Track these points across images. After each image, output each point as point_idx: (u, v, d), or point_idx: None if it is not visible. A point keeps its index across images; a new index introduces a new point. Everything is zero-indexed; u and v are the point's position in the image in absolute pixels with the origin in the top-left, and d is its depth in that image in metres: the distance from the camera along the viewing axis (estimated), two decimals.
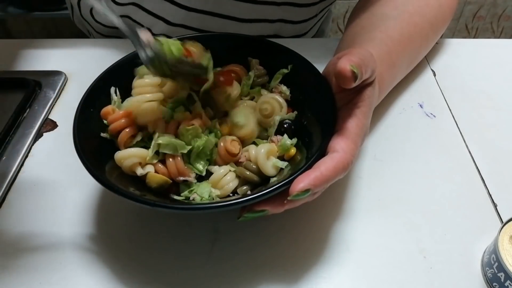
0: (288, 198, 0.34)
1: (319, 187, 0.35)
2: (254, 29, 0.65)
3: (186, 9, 0.62)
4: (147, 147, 0.43)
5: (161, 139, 0.41)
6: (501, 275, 0.38)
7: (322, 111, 0.44)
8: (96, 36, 0.74)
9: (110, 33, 0.71)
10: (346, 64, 0.36)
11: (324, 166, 0.35)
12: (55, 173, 0.49)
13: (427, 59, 0.65)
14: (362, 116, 0.40)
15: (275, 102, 0.46)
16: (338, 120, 0.40)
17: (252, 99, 0.49)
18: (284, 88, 0.49)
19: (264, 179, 0.42)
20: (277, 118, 0.45)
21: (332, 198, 0.47)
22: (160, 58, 0.39)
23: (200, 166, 0.43)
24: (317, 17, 0.70)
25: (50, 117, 0.56)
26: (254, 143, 0.46)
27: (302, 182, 0.34)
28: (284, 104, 0.46)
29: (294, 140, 0.43)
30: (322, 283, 0.40)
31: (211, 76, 0.44)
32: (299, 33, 0.70)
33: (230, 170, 0.42)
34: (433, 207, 0.46)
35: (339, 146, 0.37)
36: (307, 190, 0.34)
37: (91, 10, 0.69)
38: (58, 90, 0.59)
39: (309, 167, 0.36)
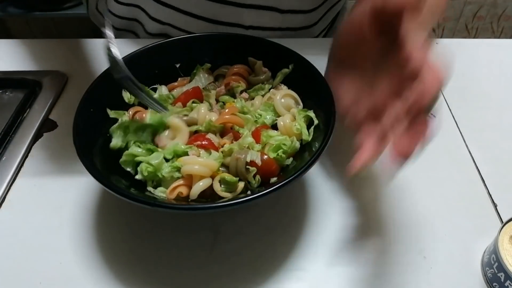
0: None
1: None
2: (265, 17, 0.65)
3: None
4: None
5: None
6: (501, 275, 0.38)
7: (321, 110, 0.44)
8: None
9: (122, 26, 0.71)
10: (355, 167, 0.34)
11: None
12: (55, 173, 0.49)
13: None
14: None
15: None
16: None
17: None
18: (284, 87, 0.49)
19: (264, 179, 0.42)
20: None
21: (332, 198, 0.47)
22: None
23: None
24: (324, 6, 0.69)
25: (50, 117, 0.56)
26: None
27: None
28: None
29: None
30: (322, 283, 0.40)
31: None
32: (308, 24, 0.70)
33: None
34: (433, 207, 0.46)
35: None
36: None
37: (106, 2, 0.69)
38: (58, 90, 0.59)
39: (311, 164, 0.37)
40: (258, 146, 0.43)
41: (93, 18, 0.79)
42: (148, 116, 0.45)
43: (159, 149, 0.43)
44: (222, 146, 0.44)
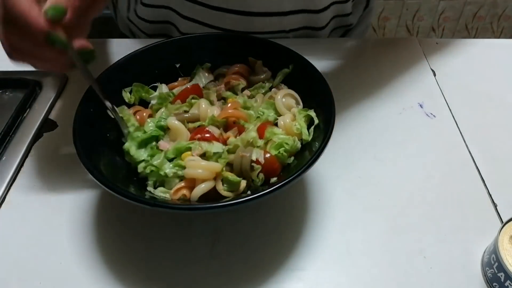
0: None
1: None
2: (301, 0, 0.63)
3: None
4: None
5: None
6: (501, 275, 0.38)
7: (321, 110, 0.44)
8: (141, 36, 0.73)
9: (155, 31, 0.70)
10: None
11: None
12: (55, 173, 0.49)
13: (427, 59, 0.65)
14: None
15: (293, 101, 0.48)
16: None
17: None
18: (285, 87, 0.49)
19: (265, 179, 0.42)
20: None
21: (332, 198, 0.47)
22: None
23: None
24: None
25: (50, 117, 0.56)
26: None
27: None
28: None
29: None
30: (322, 283, 0.40)
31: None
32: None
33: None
34: (433, 207, 0.46)
35: None
36: None
37: (134, 9, 0.69)
38: (58, 90, 0.59)
39: (311, 164, 0.37)
40: (260, 142, 0.43)
41: (122, 27, 0.77)
42: (149, 122, 0.45)
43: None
44: (227, 140, 0.44)
